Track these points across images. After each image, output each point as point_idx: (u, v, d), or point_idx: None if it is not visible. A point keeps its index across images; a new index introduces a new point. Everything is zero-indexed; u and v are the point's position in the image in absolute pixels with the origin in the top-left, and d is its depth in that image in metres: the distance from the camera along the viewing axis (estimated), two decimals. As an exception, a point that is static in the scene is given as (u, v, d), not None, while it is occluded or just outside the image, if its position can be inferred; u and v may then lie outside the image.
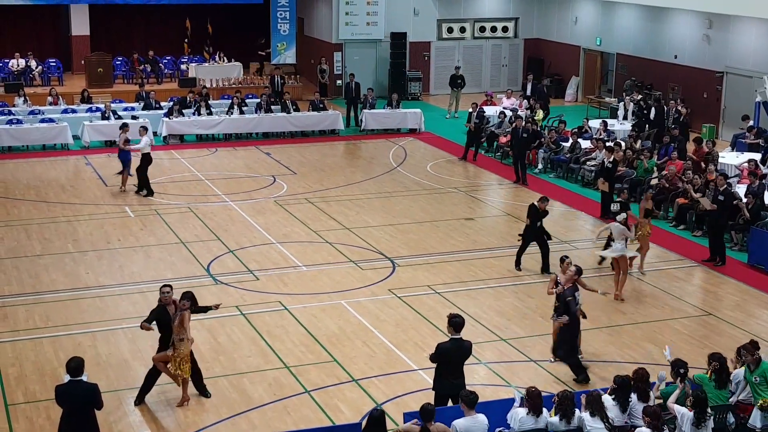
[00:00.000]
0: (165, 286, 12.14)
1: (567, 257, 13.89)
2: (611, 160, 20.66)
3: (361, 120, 29.01)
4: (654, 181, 21.50)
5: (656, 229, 19.27)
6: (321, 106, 28.88)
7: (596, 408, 9.93)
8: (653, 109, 27.02)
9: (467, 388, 10.49)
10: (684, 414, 9.97)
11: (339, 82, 33.83)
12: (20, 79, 31.05)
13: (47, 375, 12.83)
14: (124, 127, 22.02)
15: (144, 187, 21.57)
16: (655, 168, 22.19)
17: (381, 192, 22.51)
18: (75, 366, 9.99)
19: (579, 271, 13.31)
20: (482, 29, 36.08)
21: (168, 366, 11.97)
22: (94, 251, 17.95)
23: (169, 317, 11.88)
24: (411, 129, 29.07)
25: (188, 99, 27.98)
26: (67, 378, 10.07)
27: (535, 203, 16.91)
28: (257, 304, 15.51)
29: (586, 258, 18.34)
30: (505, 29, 36.40)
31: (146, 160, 21.49)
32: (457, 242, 18.85)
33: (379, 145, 27.64)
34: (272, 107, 28.42)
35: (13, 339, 14.03)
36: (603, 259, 17.25)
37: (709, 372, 10.88)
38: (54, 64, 32.85)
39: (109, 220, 19.82)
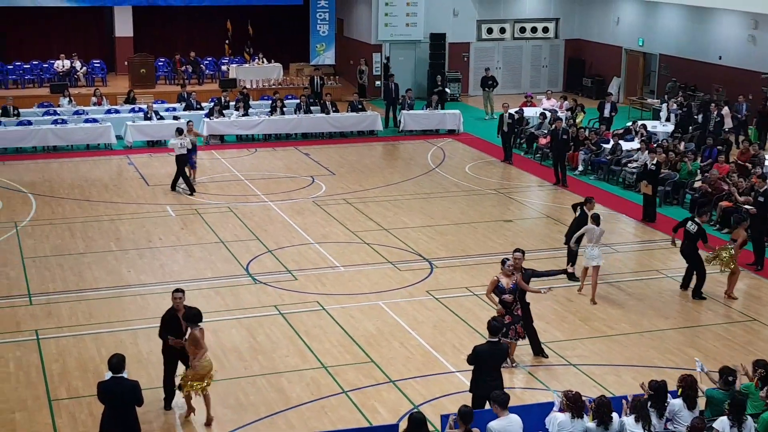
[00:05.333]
0: (177, 290, 11.94)
1: (508, 259, 13.22)
2: (654, 162, 20.46)
3: (400, 121, 29.02)
4: (697, 184, 21.25)
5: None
6: (360, 106, 28.95)
7: (641, 414, 9.82)
8: (697, 111, 26.73)
9: (505, 390, 10.45)
10: (723, 421, 9.80)
11: (378, 82, 33.88)
12: (65, 79, 31.50)
13: (90, 371, 13.00)
14: (179, 132, 22.29)
15: (174, 183, 22.14)
16: (698, 171, 21.93)
17: (419, 193, 22.50)
18: (117, 363, 10.10)
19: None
20: (522, 30, 35.91)
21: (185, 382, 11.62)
22: (136, 250, 18.16)
23: (179, 323, 11.67)
24: (450, 130, 29.02)
25: (223, 99, 28.17)
26: (108, 375, 10.19)
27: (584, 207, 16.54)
28: (295, 304, 15.58)
29: (627, 262, 18.20)
30: (545, 30, 36.19)
31: (179, 160, 21.79)
32: (496, 244, 18.78)
33: (418, 146, 27.63)
34: (311, 108, 28.54)
35: (57, 335, 14.24)
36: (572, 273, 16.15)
37: (755, 380, 10.67)
38: (98, 65, 33.30)
39: (150, 220, 20.04)
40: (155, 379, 12.63)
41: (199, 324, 11.43)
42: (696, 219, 16.24)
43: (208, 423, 11.69)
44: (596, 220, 15.86)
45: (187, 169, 22.12)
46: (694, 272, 16.20)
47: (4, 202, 21.03)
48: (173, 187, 22.10)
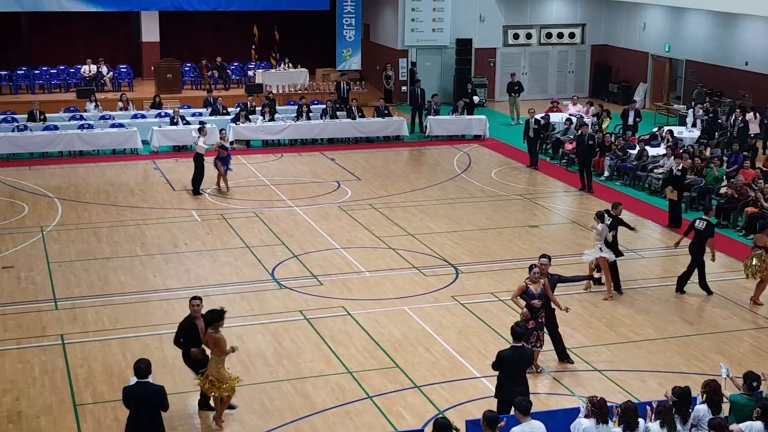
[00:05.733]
0: (195, 298, 11.95)
1: (535, 265, 13.16)
2: (680, 167, 20.31)
3: (426, 126, 29.02)
4: (723, 190, 21.08)
5: (725, 238, 18.96)
6: (386, 112, 28.97)
7: (667, 419, 9.75)
8: (726, 118, 26.52)
9: (531, 396, 10.40)
10: (752, 426, 9.71)
11: (404, 88, 33.89)
12: (92, 84, 31.75)
13: (115, 376, 13.07)
14: (202, 131, 22.55)
15: (197, 187, 22.29)
16: (724, 177, 21.75)
17: (445, 198, 22.47)
18: (143, 368, 10.13)
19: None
20: (548, 35, 35.81)
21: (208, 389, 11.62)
22: (162, 254, 18.26)
23: (198, 331, 11.65)
24: (476, 135, 28.97)
25: (249, 104, 28.28)
26: (134, 380, 10.22)
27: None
28: (321, 309, 15.60)
29: (653, 267, 18.08)
30: (572, 35, 36.07)
31: (198, 160, 21.99)
32: (521, 249, 18.71)
33: (444, 151, 27.60)
34: (337, 113, 28.59)
35: (83, 340, 14.33)
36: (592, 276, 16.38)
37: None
38: (124, 70, 33.55)
39: (176, 224, 20.14)
40: (180, 384, 12.69)
41: (219, 328, 11.41)
42: (704, 217, 16.56)
43: (218, 424, 11.75)
44: (601, 217, 15.94)
45: (218, 172, 22.20)
46: (695, 269, 16.37)
47: (30, 207, 21.21)
48: (197, 191, 22.18)
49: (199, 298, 11.95)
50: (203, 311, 11.73)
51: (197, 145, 22.10)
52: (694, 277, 16.52)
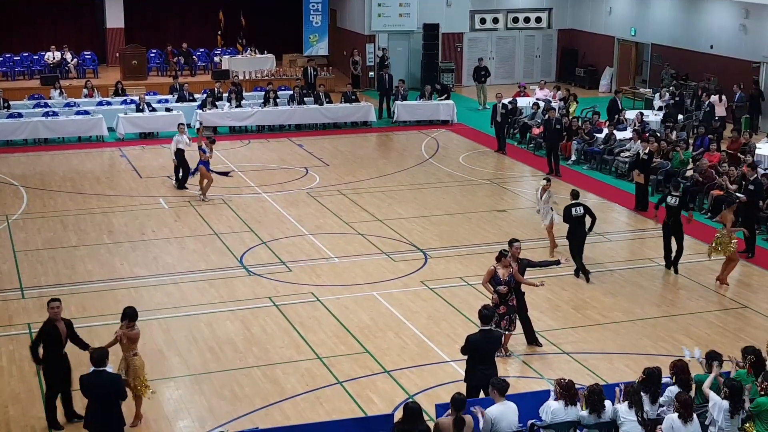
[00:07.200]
0: (54, 300, 11.33)
1: (506, 251, 13.22)
2: (647, 151, 20.49)
3: (393, 111, 29.00)
4: (689, 173, 21.30)
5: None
6: (353, 97, 28.91)
7: (634, 400, 9.87)
8: (691, 101, 26.74)
9: (501, 377, 10.46)
10: (718, 403, 9.87)
11: (371, 73, 33.83)
12: (56, 71, 31.38)
13: (83, 364, 12.90)
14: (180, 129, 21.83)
15: (183, 181, 21.63)
16: (690, 160, 21.97)
17: (413, 183, 22.50)
18: (98, 357, 10.10)
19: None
20: (515, 20, 35.88)
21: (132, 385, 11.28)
22: (129, 242, 18.14)
23: (59, 333, 11.15)
24: (443, 120, 29.01)
25: (216, 91, 28.10)
26: (91, 369, 10.17)
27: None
28: (290, 295, 15.59)
29: (620, 250, 18.25)
30: (538, 20, 36.17)
31: (179, 156, 21.54)
32: (490, 234, 18.80)
33: (412, 136, 27.62)
34: (305, 99, 28.50)
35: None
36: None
37: (747, 366, 10.72)
38: (89, 56, 33.19)
39: (143, 212, 20.00)
40: (149, 372, 12.54)
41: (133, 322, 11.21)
42: (674, 192, 16.80)
43: (135, 424, 11.40)
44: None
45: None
46: (675, 246, 16.76)
47: (-3, 195, 20.98)
48: (182, 185, 21.53)
49: (59, 300, 11.38)
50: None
51: (178, 143, 21.46)
52: (659, 258, 16.76)
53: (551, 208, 17.33)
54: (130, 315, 11.28)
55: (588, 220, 16.47)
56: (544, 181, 17.71)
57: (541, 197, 17.51)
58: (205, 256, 17.41)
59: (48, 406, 11.45)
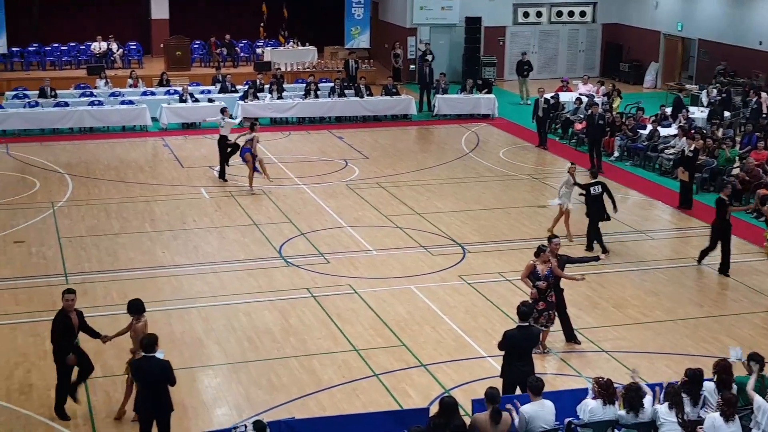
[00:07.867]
0: (69, 291, 11.32)
1: (545, 246, 13.19)
2: (692, 148, 20.20)
3: (434, 105, 28.92)
4: (735, 171, 20.96)
5: (736, 220, 18.83)
6: (394, 90, 28.88)
7: (675, 401, 9.74)
8: (741, 98, 26.32)
9: (537, 376, 10.39)
10: (763, 406, 9.70)
11: (412, 66, 33.76)
12: (102, 61, 31.75)
13: (125, 350, 13.07)
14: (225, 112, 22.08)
15: (223, 171, 21.70)
16: (737, 158, 21.63)
17: (452, 178, 22.42)
18: (148, 342, 10.21)
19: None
20: (559, 14, 35.58)
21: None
22: (170, 231, 18.29)
23: (72, 324, 11.17)
24: (484, 114, 28.87)
25: (258, 82, 28.22)
26: (141, 354, 10.31)
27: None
28: (328, 287, 15.62)
29: (663, 249, 18.03)
30: (582, 14, 35.84)
31: (222, 144, 21.64)
32: (529, 230, 18.68)
33: (452, 130, 27.52)
34: (345, 91, 28.52)
35: (92, 315, 14.23)
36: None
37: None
38: (134, 47, 33.53)
39: (185, 201, 20.16)
40: (188, 360, 12.78)
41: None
42: (721, 195, 16.61)
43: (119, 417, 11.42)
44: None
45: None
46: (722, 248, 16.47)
47: (42, 183, 21.26)
48: (222, 176, 21.59)
49: (74, 291, 11.42)
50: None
51: (222, 127, 21.53)
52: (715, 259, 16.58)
53: (569, 191, 17.64)
54: (134, 308, 11.16)
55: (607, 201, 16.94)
56: (570, 164, 17.98)
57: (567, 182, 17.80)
58: (244, 246, 17.51)
59: (58, 396, 11.48)
